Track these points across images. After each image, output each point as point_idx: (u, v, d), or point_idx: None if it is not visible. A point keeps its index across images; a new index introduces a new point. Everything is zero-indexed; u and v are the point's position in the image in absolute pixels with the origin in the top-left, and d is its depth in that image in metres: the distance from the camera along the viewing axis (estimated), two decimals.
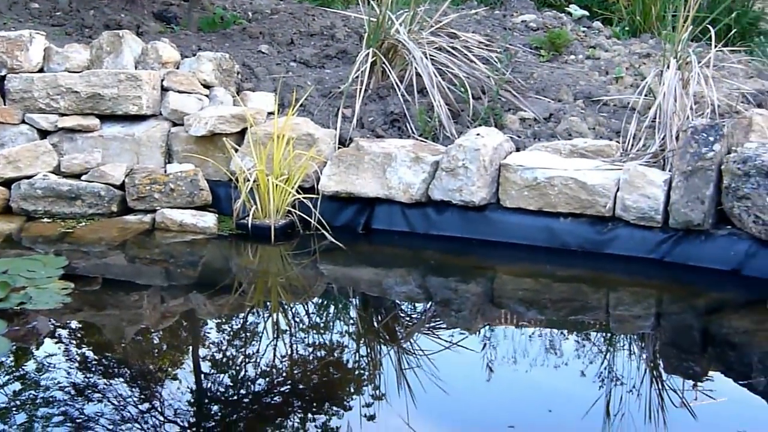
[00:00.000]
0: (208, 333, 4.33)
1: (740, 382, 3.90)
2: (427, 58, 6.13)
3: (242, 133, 5.79)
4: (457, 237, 5.44)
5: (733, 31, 7.04)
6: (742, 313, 4.76)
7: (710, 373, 4.02)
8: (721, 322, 4.72)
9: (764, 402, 3.72)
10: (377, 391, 3.62)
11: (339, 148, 5.77)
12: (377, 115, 6.10)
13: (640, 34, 7.88)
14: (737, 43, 7.41)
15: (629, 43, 7.49)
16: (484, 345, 4.18)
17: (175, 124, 5.96)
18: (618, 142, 5.72)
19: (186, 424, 3.32)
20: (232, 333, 4.31)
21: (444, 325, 4.43)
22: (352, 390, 3.65)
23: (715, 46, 6.20)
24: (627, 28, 7.97)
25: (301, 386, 3.68)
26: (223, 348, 4.08)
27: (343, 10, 8.08)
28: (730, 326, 4.65)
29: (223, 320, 4.46)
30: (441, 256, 5.36)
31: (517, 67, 6.63)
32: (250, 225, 5.39)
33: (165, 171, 5.71)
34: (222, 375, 3.77)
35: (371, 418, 3.38)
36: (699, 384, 3.85)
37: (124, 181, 5.68)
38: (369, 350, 4.17)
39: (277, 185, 5.37)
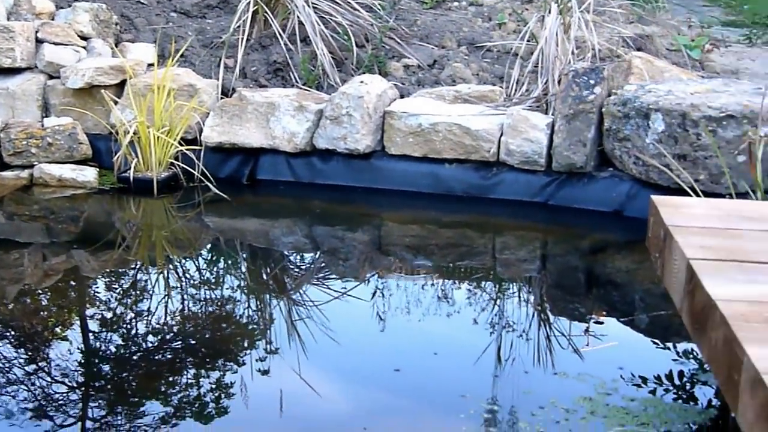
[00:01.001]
0: (94, 290, 4.27)
1: (622, 320, 4.00)
2: (309, 6, 6.06)
3: (122, 85, 5.67)
4: (343, 185, 5.44)
5: None
6: (624, 254, 4.87)
7: (595, 313, 4.10)
8: (604, 263, 4.83)
9: (645, 338, 3.83)
10: (269, 345, 3.63)
11: (222, 98, 5.70)
12: (260, 65, 6.03)
13: None
14: None
15: None
16: (373, 293, 4.21)
17: (51, 77, 5.80)
18: (501, 87, 5.74)
19: (74, 384, 3.28)
20: (118, 289, 4.27)
21: (332, 275, 4.43)
22: (244, 344, 3.65)
23: None
24: None
25: (192, 342, 3.68)
26: (111, 305, 4.03)
27: None
28: (613, 266, 4.77)
29: (109, 277, 4.40)
30: (327, 205, 5.37)
31: (400, 15, 6.59)
32: (131, 178, 5.30)
33: (42, 125, 5.56)
34: (110, 333, 3.73)
35: (264, 372, 3.38)
36: (584, 325, 3.93)
37: None
38: (259, 303, 4.16)
39: (158, 137, 5.28)
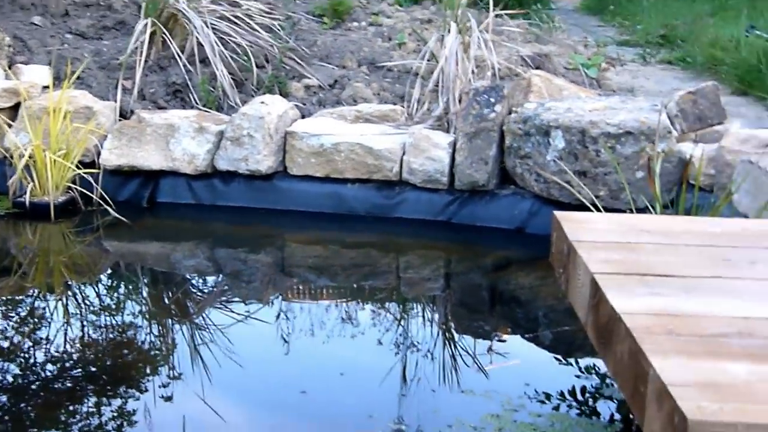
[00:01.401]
0: None
1: (527, 337, 4.03)
2: (208, 27, 6.01)
3: (16, 107, 5.59)
4: (245, 207, 5.39)
5: None
6: (527, 270, 4.90)
7: (499, 331, 4.12)
8: (507, 280, 4.85)
9: (549, 354, 3.85)
10: (172, 371, 3.57)
11: (120, 120, 5.62)
12: (159, 86, 5.97)
13: (421, 1, 7.99)
14: (515, 8, 7.60)
15: (411, 10, 7.61)
16: (277, 316, 4.18)
17: None
18: (403, 106, 5.77)
19: None
20: (15, 317, 4.16)
21: (236, 298, 4.41)
22: (147, 370, 3.59)
23: (494, 11, 6.32)
24: None
25: (93, 369, 3.60)
26: (7, 334, 3.92)
27: None
28: (516, 283, 4.79)
29: (5, 305, 4.29)
30: (229, 227, 5.34)
31: (300, 35, 6.59)
32: (27, 203, 5.19)
33: None
34: (7, 362, 3.62)
35: (168, 398, 3.34)
36: (489, 342, 3.94)
37: None
38: (161, 328, 4.10)
39: (55, 161, 5.17)
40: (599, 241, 2.89)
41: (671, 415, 1.84)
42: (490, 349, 3.87)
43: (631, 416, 3.19)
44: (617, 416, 3.23)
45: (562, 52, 6.90)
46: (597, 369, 3.60)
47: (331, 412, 3.28)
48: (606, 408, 3.30)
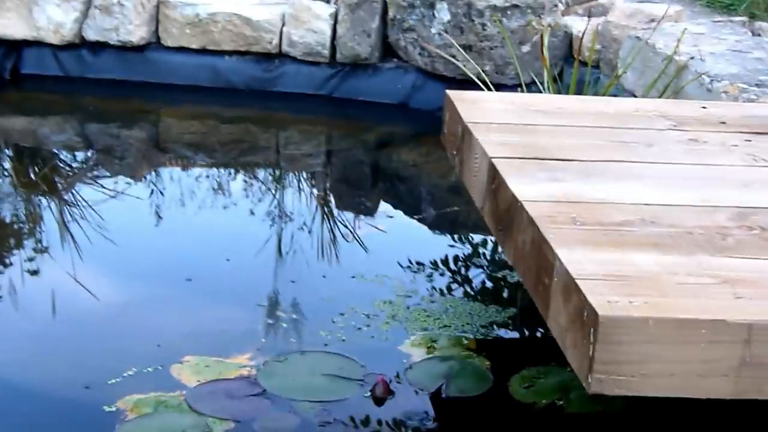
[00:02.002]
0: None
1: (409, 217, 4.04)
2: None
3: None
4: (117, 80, 5.20)
5: None
6: (411, 146, 4.93)
7: (381, 206, 4.13)
8: (390, 156, 4.88)
9: (428, 234, 3.89)
10: (39, 245, 3.49)
11: None
12: None
13: None
14: None
15: None
16: (152, 192, 4.10)
17: None
18: None
19: None
20: None
21: (108, 174, 4.27)
22: (12, 245, 3.49)
23: None
24: None
25: None
26: None
27: None
28: (400, 159, 4.81)
29: None
30: (100, 100, 5.15)
31: None
32: None
33: None
34: None
35: (34, 272, 3.24)
36: (370, 217, 3.98)
37: None
38: (28, 204, 3.97)
39: None
40: (494, 122, 2.84)
41: (580, 309, 1.81)
42: (375, 227, 3.85)
43: (521, 300, 3.25)
44: (511, 302, 3.27)
45: None
46: (489, 251, 3.62)
47: (218, 297, 3.19)
48: (501, 294, 3.34)
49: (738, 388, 1.76)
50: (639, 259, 1.96)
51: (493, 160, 2.49)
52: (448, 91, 3.05)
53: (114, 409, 2.48)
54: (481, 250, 3.64)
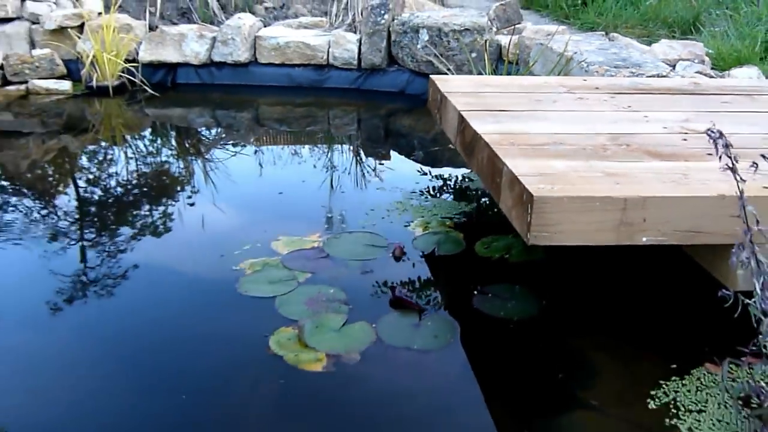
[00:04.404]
0: (81, 160, 4.09)
1: (407, 156, 4.09)
2: None
3: (82, 26, 5.44)
4: (232, 84, 5.32)
5: None
6: (407, 115, 4.95)
7: (391, 152, 4.15)
8: (395, 122, 4.87)
9: (420, 165, 3.89)
10: (193, 187, 3.51)
11: (149, 32, 5.51)
12: (173, 10, 5.88)
13: None
14: None
15: None
16: (255, 150, 4.12)
17: (33, 23, 5.53)
18: (327, 19, 5.76)
19: (73, 220, 3.13)
20: (94, 159, 4.06)
21: (231, 141, 4.32)
22: (178, 189, 3.52)
23: None
24: None
25: (145, 189, 3.51)
26: (91, 169, 3.86)
27: None
28: (401, 124, 4.82)
29: (86, 150, 4.20)
30: (223, 96, 5.21)
31: None
32: (94, 86, 5.11)
33: (31, 54, 5.31)
34: (91, 187, 3.58)
35: (192, 204, 3.29)
36: (384, 161, 3.96)
37: (2, 63, 5.30)
38: (185, 162, 3.99)
39: (109, 59, 5.08)
40: (460, 91, 2.87)
41: (521, 194, 1.83)
42: (382, 164, 3.87)
43: (478, 199, 3.21)
44: (473, 199, 3.29)
45: None
46: (460, 174, 3.59)
47: (297, 207, 3.29)
48: (469, 196, 3.35)
49: (619, 237, 1.79)
50: (554, 164, 1.98)
51: (461, 111, 2.52)
52: (431, 76, 3.05)
53: (239, 268, 2.54)
54: (453, 172, 3.63)
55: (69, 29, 5.33)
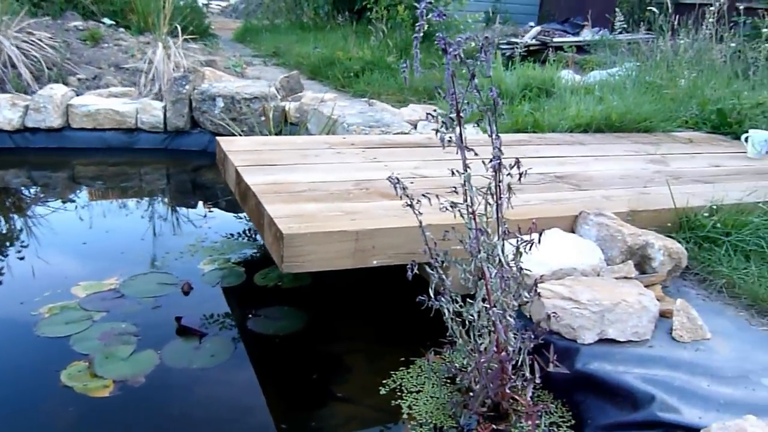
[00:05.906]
0: None
1: (209, 203, 4.11)
2: (13, 46, 5.65)
3: None
4: (47, 148, 5.07)
5: (191, 29, 7.11)
6: (209, 170, 4.90)
7: (200, 201, 4.17)
8: (200, 176, 4.87)
9: (223, 212, 3.90)
10: (8, 236, 3.20)
11: None
12: None
13: (143, 32, 7.58)
14: (197, 35, 7.63)
15: (138, 37, 7.25)
16: (68, 206, 3.96)
17: None
18: (135, 89, 5.64)
19: None
20: None
21: (49, 199, 4.12)
22: None
23: (183, 37, 6.34)
24: (137, 29, 7.74)
25: None
26: None
27: None
28: (205, 177, 4.81)
29: None
30: (39, 159, 4.95)
31: (74, 51, 6.25)
32: None
33: None
34: None
35: (21, 259, 3.02)
36: (195, 210, 3.95)
37: None
38: (7, 216, 3.71)
39: None
40: (242, 149, 2.94)
41: (276, 232, 1.91)
42: (197, 213, 3.90)
43: (256, 240, 2.90)
44: (251, 240, 3.36)
45: (222, 59, 6.97)
46: (241, 220, 3.67)
47: (96, 256, 3.13)
48: (247, 236, 3.41)
49: (355, 261, 1.89)
50: (307, 207, 2.07)
51: (237, 167, 2.59)
52: (217, 137, 3.14)
53: (37, 312, 2.43)
54: (242, 216, 3.63)
55: None
